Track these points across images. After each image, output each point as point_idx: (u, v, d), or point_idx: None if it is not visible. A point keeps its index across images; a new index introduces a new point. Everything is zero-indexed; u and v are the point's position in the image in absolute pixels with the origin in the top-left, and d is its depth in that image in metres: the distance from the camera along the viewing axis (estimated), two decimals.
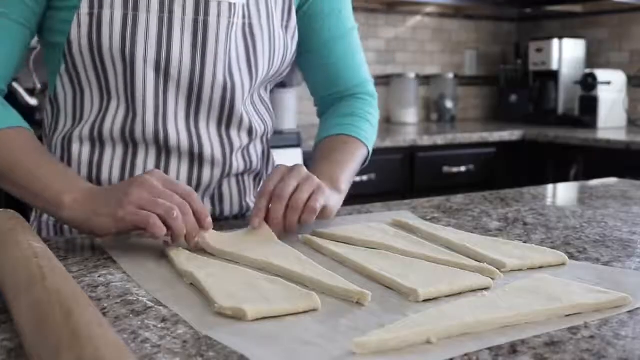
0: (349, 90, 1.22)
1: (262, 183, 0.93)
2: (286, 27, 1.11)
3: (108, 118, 1.03)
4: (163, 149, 1.04)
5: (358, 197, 2.40)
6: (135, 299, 0.69)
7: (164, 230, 0.82)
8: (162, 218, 0.82)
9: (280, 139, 2.46)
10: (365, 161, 1.18)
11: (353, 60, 1.21)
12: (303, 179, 0.93)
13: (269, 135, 1.20)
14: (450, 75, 3.70)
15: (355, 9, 1.29)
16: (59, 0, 0.98)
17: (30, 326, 0.54)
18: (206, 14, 1.01)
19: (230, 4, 1.02)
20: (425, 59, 3.80)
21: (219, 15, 1.02)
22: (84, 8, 0.96)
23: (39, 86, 2.58)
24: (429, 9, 3.71)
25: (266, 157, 1.22)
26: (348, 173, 1.08)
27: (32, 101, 2.53)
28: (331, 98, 1.24)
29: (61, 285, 0.60)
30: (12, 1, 0.96)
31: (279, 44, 1.09)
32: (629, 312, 0.65)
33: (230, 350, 0.56)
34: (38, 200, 0.93)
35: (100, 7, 0.97)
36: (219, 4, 1.01)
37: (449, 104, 3.69)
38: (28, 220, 0.89)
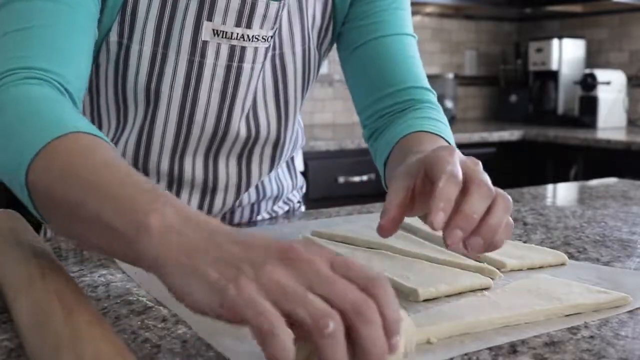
0: (406, 94, 0.99)
1: (437, 188, 0.64)
2: (321, 44, 1.04)
3: (119, 148, 0.97)
4: (175, 181, 1.01)
5: (358, 197, 2.41)
6: (135, 299, 0.69)
7: (291, 355, 0.43)
8: (307, 327, 0.44)
9: None
10: None
11: (408, 59, 1.02)
12: (492, 197, 0.67)
13: (293, 154, 1.15)
14: (450, 75, 3.70)
15: None
16: (99, 22, 0.88)
17: (30, 326, 0.54)
18: (240, 60, 0.93)
19: (266, 48, 0.94)
20: (425, 59, 3.77)
21: (254, 61, 0.94)
22: (113, 36, 0.89)
23: None
24: (429, 9, 3.71)
25: (292, 176, 1.17)
26: None
27: None
28: (383, 108, 1.00)
29: (61, 285, 0.60)
30: None
31: (314, 65, 1.02)
32: (629, 312, 0.65)
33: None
34: (109, 234, 0.53)
35: (130, 39, 0.89)
36: (256, 49, 0.93)
37: (449, 104, 3.69)
38: (28, 220, 0.88)
